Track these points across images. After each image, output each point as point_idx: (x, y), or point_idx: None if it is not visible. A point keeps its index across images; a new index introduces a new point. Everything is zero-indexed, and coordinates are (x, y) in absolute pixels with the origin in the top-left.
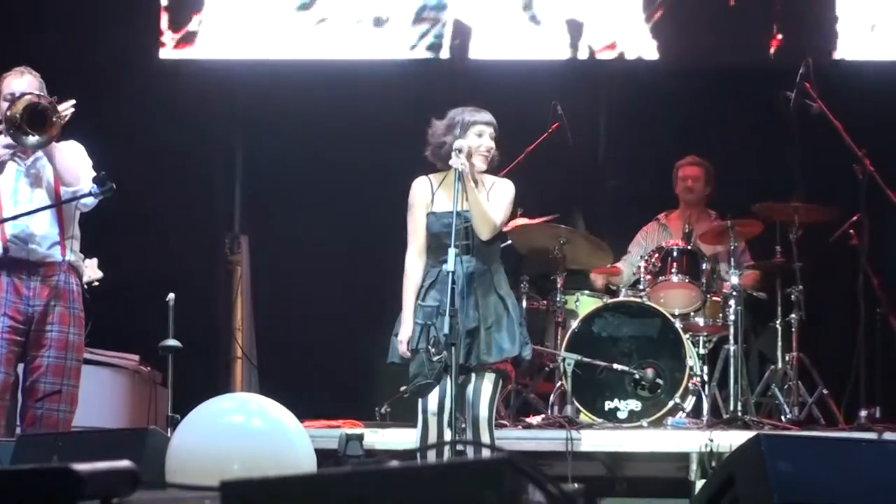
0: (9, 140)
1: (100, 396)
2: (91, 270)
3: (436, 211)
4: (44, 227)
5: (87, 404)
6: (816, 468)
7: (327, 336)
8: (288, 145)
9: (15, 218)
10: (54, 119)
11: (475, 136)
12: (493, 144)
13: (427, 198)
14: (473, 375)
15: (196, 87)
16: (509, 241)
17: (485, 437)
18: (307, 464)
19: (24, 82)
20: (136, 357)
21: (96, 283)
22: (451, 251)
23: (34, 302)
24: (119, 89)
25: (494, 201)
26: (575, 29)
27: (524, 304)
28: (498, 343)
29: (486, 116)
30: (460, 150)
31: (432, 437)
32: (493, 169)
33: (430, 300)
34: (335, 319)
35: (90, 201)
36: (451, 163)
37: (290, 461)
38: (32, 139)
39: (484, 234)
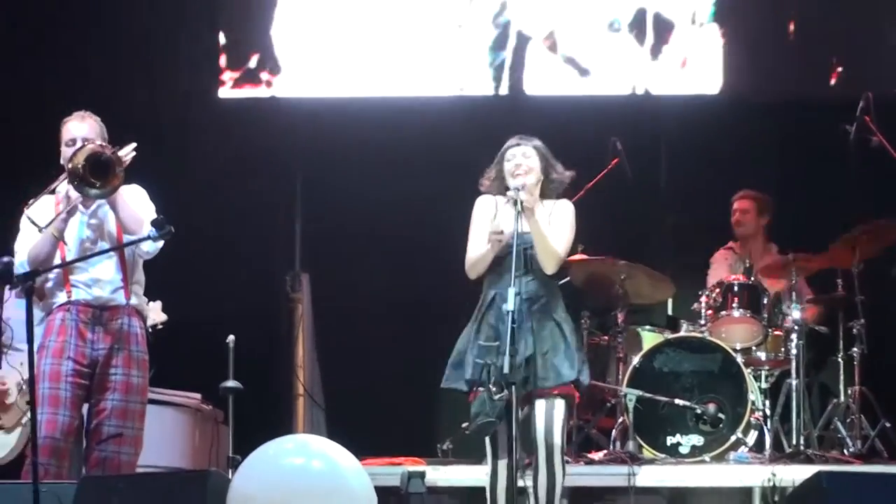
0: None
1: (162, 435)
2: (155, 314)
3: (496, 231)
4: (108, 273)
5: (150, 443)
6: None
7: (389, 372)
8: (348, 182)
9: (74, 262)
10: (117, 169)
11: (506, 162)
12: (525, 161)
13: (491, 213)
14: (543, 402)
15: (255, 125)
16: (569, 278)
17: (558, 468)
18: None
19: (86, 127)
20: (198, 395)
21: (160, 327)
22: (511, 290)
23: (98, 345)
24: (179, 129)
25: (556, 227)
26: (631, 63)
27: (585, 338)
28: (556, 368)
29: (515, 140)
30: (518, 189)
31: (501, 483)
32: (557, 193)
33: (487, 334)
34: (397, 355)
35: (150, 246)
36: (509, 198)
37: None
38: (96, 190)
39: (549, 267)
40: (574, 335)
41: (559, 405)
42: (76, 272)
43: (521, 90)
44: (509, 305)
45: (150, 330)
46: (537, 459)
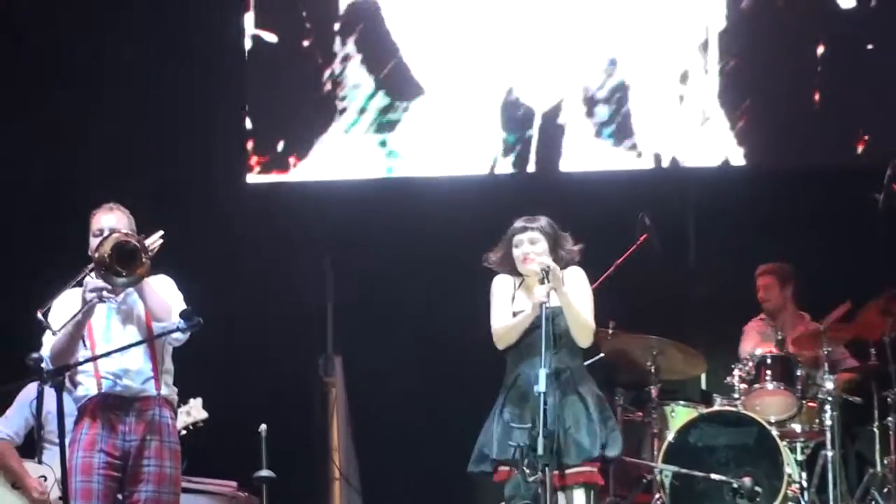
0: (99, 282)
1: None
2: (196, 411)
3: (516, 311)
4: (137, 363)
5: None
6: None
7: (426, 453)
8: (378, 263)
9: (107, 355)
10: (143, 258)
11: (514, 248)
12: (531, 249)
13: (509, 292)
14: (562, 495)
15: (284, 209)
16: (602, 355)
17: None
18: None
19: (114, 218)
20: (234, 483)
21: (201, 424)
22: (542, 372)
23: (130, 437)
24: (207, 215)
25: (577, 298)
26: (659, 137)
27: (619, 414)
28: (577, 444)
29: (521, 224)
30: (546, 266)
31: None
32: (568, 263)
33: (513, 413)
34: (433, 436)
35: (180, 336)
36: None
37: None
38: (122, 279)
39: (584, 340)
40: (600, 408)
41: (578, 496)
42: (106, 363)
43: (547, 168)
44: (541, 387)
45: (191, 427)
46: None
